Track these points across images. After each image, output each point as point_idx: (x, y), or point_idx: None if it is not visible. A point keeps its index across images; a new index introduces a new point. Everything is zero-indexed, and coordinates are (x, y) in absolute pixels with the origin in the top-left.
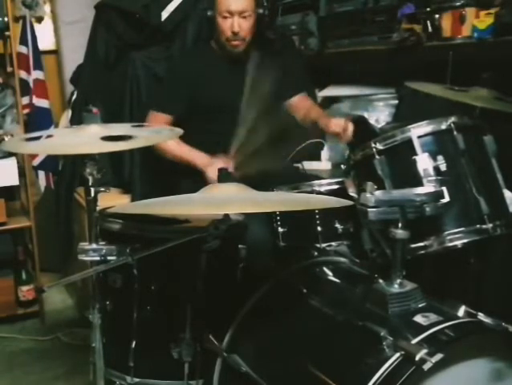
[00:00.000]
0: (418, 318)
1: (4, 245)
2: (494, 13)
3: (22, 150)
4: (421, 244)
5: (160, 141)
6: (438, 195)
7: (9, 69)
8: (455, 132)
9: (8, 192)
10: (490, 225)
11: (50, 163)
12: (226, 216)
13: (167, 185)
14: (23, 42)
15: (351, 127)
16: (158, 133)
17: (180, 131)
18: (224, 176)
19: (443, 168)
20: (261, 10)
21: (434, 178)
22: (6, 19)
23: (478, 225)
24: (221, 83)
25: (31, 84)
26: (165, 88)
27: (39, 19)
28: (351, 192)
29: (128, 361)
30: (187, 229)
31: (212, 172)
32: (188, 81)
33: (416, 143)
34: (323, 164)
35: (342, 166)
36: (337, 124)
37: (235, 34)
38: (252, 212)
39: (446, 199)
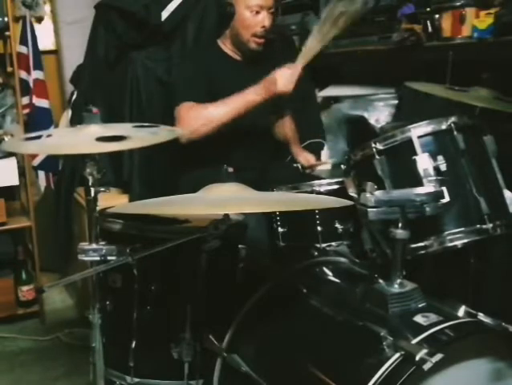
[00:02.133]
0: (418, 318)
1: (4, 245)
2: (494, 13)
3: (18, 149)
4: (421, 244)
5: (156, 142)
6: (438, 195)
7: (9, 69)
8: (455, 132)
9: (8, 192)
10: (490, 225)
11: (50, 163)
12: (226, 216)
13: (167, 185)
14: (23, 42)
15: (318, 164)
16: (154, 134)
17: (179, 131)
18: (224, 174)
19: (443, 168)
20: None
21: (434, 178)
22: (6, 19)
23: (478, 225)
24: (236, 82)
25: (31, 84)
26: (185, 84)
27: (39, 19)
28: (351, 192)
29: (128, 361)
30: (187, 229)
31: (280, 83)
32: (203, 83)
33: (416, 143)
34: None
35: (342, 166)
36: (305, 158)
37: (265, 30)
38: (252, 212)
39: (446, 199)
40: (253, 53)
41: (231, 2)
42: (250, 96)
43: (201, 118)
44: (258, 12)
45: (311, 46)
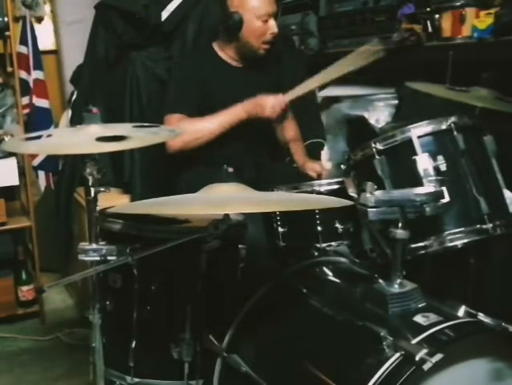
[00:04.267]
0: (418, 318)
1: (4, 245)
2: (494, 13)
3: (18, 149)
4: (421, 244)
5: (156, 142)
6: (438, 195)
7: (9, 69)
8: (455, 132)
9: (8, 192)
10: (490, 225)
11: (50, 163)
12: (226, 216)
13: (167, 185)
14: (23, 42)
15: (326, 170)
16: (155, 134)
17: (179, 130)
18: (224, 174)
19: (443, 168)
20: None
21: (434, 178)
22: (6, 19)
23: (478, 225)
24: (234, 86)
25: (31, 84)
26: (178, 89)
27: (39, 19)
28: (351, 192)
29: (128, 361)
30: (187, 229)
31: (267, 108)
32: (200, 83)
33: (416, 143)
34: (323, 164)
35: (342, 166)
36: (312, 169)
37: (274, 36)
38: (252, 212)
39: (446, 199)
40: (256, 58)
41: (236, 11)
42: (238, 111)
43: (191, 132)
44: (267, 20)
45: (307, 85)
